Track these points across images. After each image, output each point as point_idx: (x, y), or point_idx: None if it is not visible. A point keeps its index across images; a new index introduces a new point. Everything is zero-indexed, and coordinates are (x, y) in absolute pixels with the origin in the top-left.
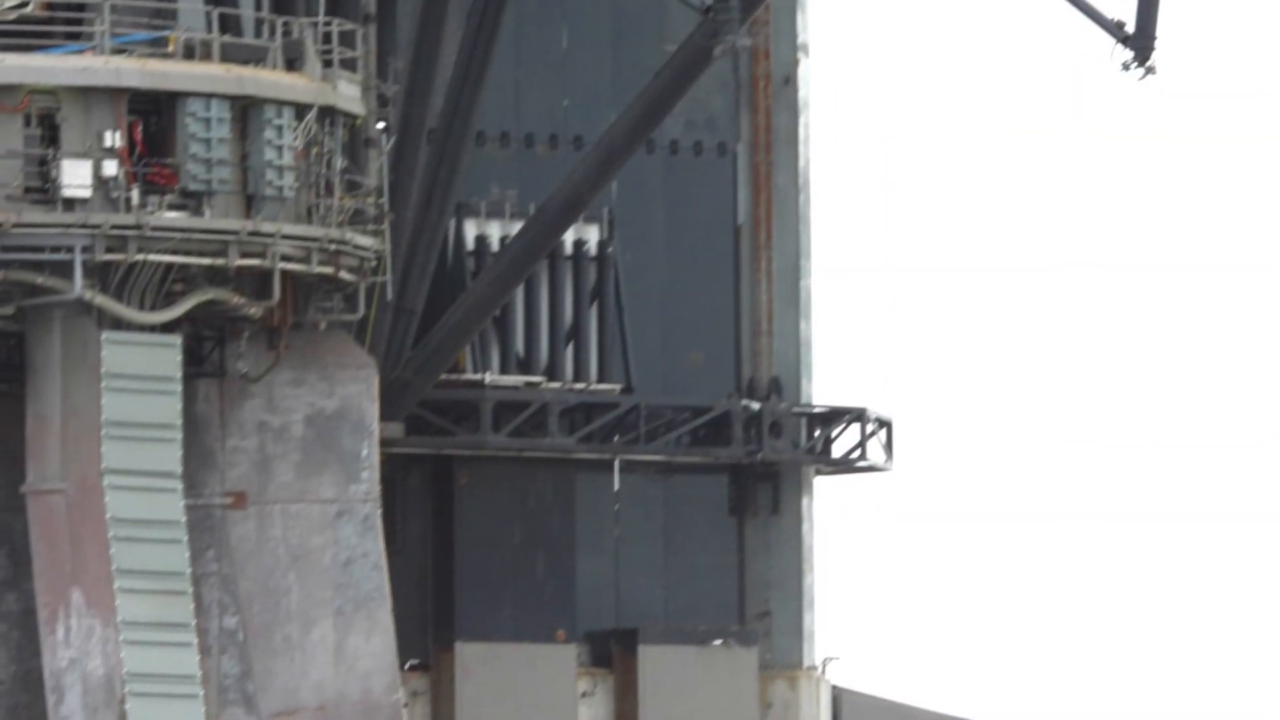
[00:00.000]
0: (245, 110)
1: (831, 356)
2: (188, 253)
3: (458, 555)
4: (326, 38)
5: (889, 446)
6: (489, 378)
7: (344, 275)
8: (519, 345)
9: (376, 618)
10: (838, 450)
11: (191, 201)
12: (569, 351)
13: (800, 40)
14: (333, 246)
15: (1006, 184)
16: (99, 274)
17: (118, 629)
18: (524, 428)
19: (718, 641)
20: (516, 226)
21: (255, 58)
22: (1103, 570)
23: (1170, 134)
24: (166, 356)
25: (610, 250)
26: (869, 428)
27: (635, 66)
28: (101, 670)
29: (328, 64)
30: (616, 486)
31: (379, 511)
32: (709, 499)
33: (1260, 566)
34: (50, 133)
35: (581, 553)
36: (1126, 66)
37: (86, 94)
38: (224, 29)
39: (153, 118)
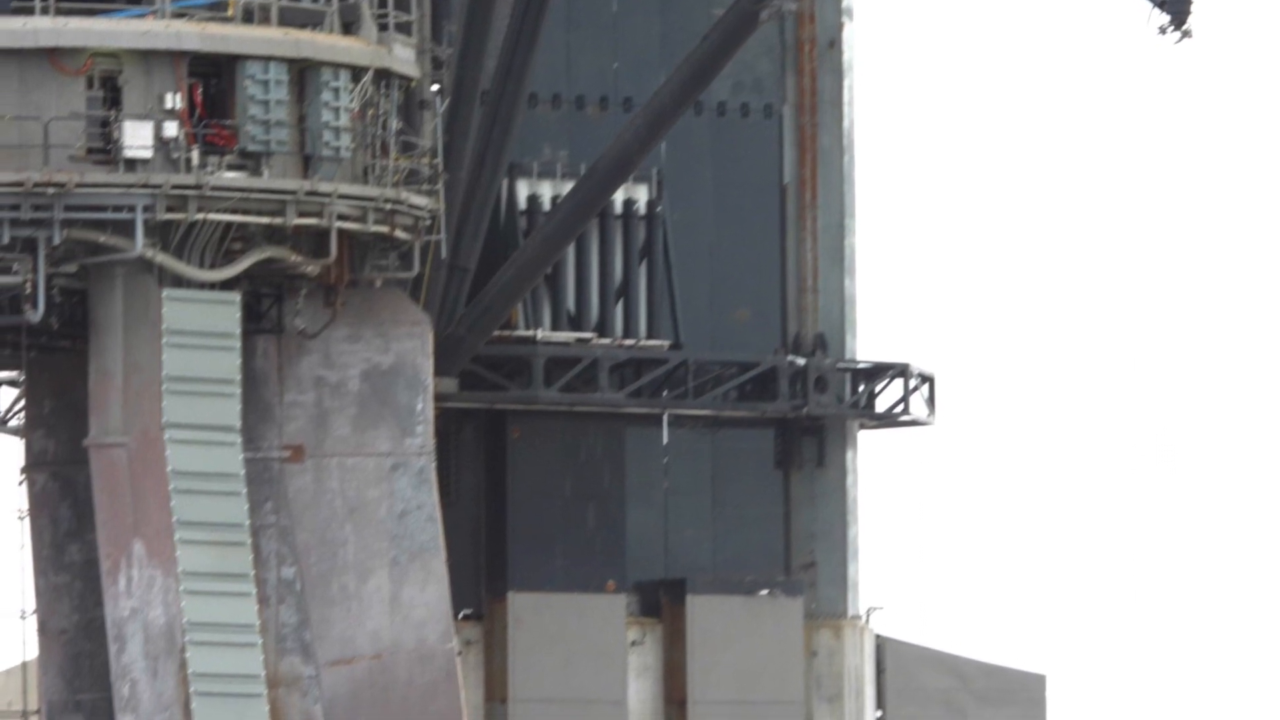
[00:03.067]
0: (303, 73)
1: (875, 313)
2: (246, 212)
3: (510, 507)
4: (382, 2)
5: (931, 401)
6: (541, 334)
7: (399, 234)
8: (570, 302)
9: (431, 568)
10: (881, 405)
11: (250, 162)
12: (619, 308)
13: (845, 4)
14: (388, 206)
15: (1045, 145)
16: (160, 233)
17: (178, 579)
18: (575, 383)
19: (764, 591)
20: (568, 186)
21: (312, 21)
22: (1141, 522)
23: (1206, 97)
24: (226, 313)
25: (659, 210)
26: (912, 383)
27: (684, 30)
28: (162, 619)
29: (383, 27)
30: (665, 440)
31: (433, 465)
32: (755, 452)
33: None
34: (112, 95)
35: (631, 505)
36: (1163, 30)
37: (148, 57)
38: None
39: (212, 80)
